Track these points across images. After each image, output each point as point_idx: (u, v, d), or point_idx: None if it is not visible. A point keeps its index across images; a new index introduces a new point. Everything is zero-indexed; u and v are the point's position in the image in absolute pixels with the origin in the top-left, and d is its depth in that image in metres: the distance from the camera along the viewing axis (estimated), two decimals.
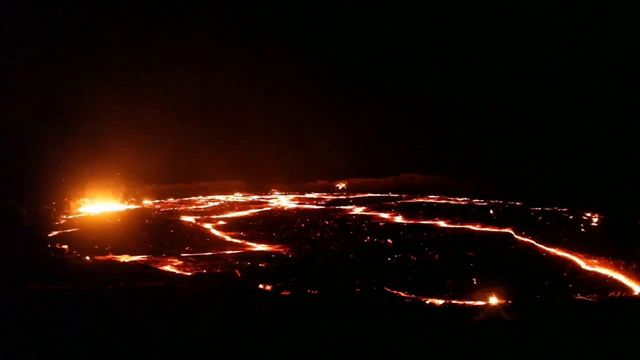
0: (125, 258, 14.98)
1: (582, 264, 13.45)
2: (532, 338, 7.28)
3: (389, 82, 51.78)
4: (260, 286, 11.56)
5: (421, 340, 7.46)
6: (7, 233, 18.53)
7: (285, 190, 43.91)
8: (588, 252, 14.36)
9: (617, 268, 12.62)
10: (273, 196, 40.26)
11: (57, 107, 37.10)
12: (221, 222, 23.71)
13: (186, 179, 43.92)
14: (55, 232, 20.68)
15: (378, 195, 40.12)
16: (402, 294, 10.66)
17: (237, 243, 18.07)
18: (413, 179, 46.00)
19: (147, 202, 35.05)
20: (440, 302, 10.16)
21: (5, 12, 36.98)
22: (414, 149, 47.52)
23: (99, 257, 15.00)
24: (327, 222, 22.59)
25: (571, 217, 23.20)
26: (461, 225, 21.13)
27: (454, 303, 10.06)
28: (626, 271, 12.34)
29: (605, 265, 13.09)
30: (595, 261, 13.49)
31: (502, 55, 47.05)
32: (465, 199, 33.60)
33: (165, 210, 29.93)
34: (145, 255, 15.49)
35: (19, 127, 33.02)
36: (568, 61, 43.37)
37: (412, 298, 10.37)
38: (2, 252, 14.72)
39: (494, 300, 10.36)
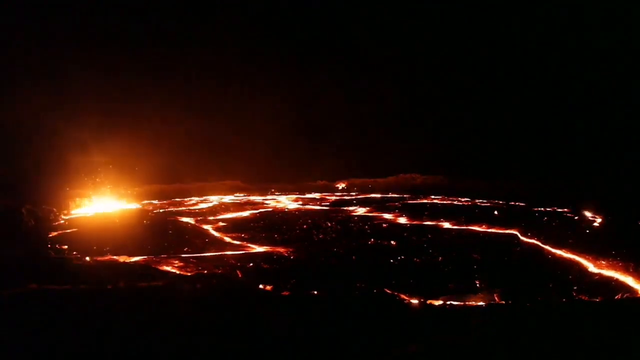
0: (125, 258, 14.82)
1: (590, 265, 13.28)
2: (532, 339, 7.15)
3: (389, 82, 51.69)
4: (261, 286, 11.45)
5: (420, 341, 7.35)
6: (8, 233, 18.40)
7: (286, 191, 43.73)
8: (595, 253, 14.19)
9: (626, 270, 12.45)
10: (274, 196, 40.08)
11: (57, 107, 37.00)
12: (221, 224, 23.52)
13: (186, 179, 43.74)
14: (55, 232, 20.52)
15: (381, 195, 39.91)
16: (403, 296, 10.53)
17: (238, 244, 17.90)
18: (413, 179, 45.84)
19: (146, 203, 34.88)
20: (439, 303, 10.03)
21: (7, 12, 36.93)
22: (414, 149, 47.36)
23: (99, 258, 14.85)
24: (329, 224, 22.40)
25: (576, 217, 23.04)
26: (466, 226, 20.94)
27: (454, 304, 9.93)
28: (635, 273, 12.16)
29: (613, 267, 12.91)
30: (603, 263, 13.32)
31: (503, 55, 46.97)
32: (468, 199, 33.42)
33: (164, 211, 29.74)
34: (146, 255, 15.33)
35: (19, 128, 32.93)
36: (569, 62, 43.30)
37: (412, 300, 10.23)
38: (2, 252, 14.58)
39: (494, 302, 10.24)
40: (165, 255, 15.43)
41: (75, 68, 40.77)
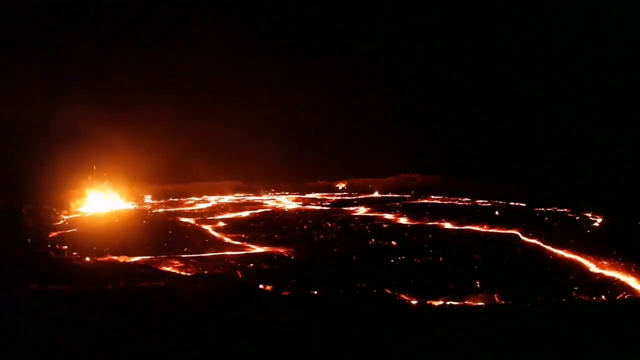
0: (125, 258, 14.80)
1: (592, 266, 13.24)
2: (532, 339, 7.12)
3: (389, 82, 51.66)
4: (261, 286, 11.44)
5: (420, 341, 7.33)
6: (7, 233, 18.37)
7: (286, 191, 43.72)
8: (597, 254, 14.15)
9: (627, 270, 12.41)
10: (273, 196, 40.06)
11: (57, 107, 37.01)
12: (221, 224, 23.49)
13: (186, 179, 43.73)
14: (55, 232, 20.50)
15: (381, 195, 39.89)
16: (403, 296, 10.51)
17: (238, 244, 17.87)
18: (413, 179, 45.81)
19: (146, 203, 34.87)
20: (439, 303, 10.01)
21: (7, 12, 36.94)
22: (414, 149, 47.35)
23: (99, 258, 14.83)
24: (329, 224, 22.37)
25: (577, 218, 23.00)
26: (467, 226, 20.90)
27: (454, 304, 9.91)
28: (637, 273, 12.12)
29: (615, 267, 12.88)
30: (604, 263, 13.28)
31: (503, 55, 46.95)
32: (468, 199, 33.39)
33: (164, 211, 29.73)
34: (146, 255, 15.31)
35: (19, 127, 32.94)
36: (569, 62, 43.26)
37: (412, 300, 10.21)
38: (2, 252, 14.57)
39: (494, 302, 10.21)
40: (165, 256, 15.41)
41: (76, 67, 40.81)
